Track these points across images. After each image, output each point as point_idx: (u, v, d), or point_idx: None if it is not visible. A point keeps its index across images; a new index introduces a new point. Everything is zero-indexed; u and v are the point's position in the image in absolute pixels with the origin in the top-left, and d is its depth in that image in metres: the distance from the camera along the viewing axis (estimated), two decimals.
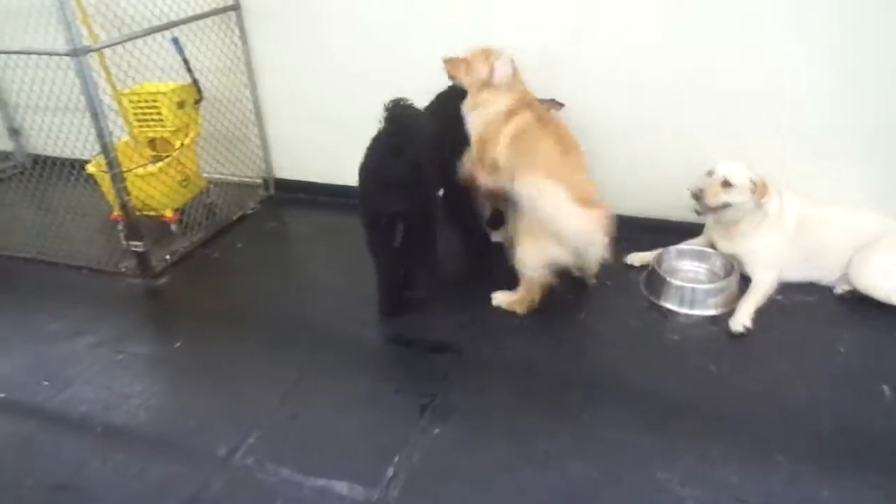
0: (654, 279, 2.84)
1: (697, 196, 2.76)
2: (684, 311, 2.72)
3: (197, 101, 3.65)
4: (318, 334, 2.79)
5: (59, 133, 3.80)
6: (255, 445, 2.21)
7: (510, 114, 2.69)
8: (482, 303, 2.83)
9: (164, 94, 3.47)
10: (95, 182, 3.52)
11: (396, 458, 2.11)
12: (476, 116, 2.78)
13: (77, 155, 3.63)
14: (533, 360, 2.52)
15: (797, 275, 2.82)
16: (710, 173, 2.76)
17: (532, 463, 2.06)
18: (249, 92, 3.80)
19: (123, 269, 3.28)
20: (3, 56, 4.18)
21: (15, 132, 4.66)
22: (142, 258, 3.20)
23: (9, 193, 4.34)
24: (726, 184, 2.71)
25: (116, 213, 3.25)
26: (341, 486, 2.03)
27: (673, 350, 2.54)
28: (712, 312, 2.70)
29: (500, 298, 2.80)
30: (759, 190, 2.69)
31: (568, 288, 2.83)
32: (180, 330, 2.87)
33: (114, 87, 3.52)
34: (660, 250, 2.98)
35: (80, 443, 2.28)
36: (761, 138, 2.97)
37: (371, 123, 2.51)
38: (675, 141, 3.12)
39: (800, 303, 2.75)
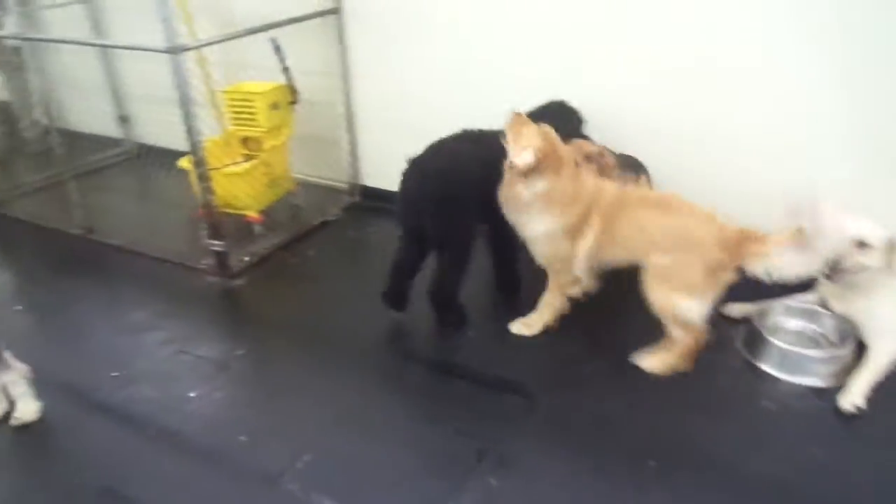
0: (753, 336, 2.55)
1: (836, 266, 2.40)
2: (785, 377, 2.42)
3: (292, 103, 3.64)
4: (385, 356, 2.68)
5: (164, 124, 3.88)
6: (303, 471, 2.11)
7: (574, 228, 2.42)
8: (561, 344, 2.64)
9: (259, 94, 3.47)
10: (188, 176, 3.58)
11: None
12: (529, 221, 2.47)
13: (179, 146, 3.69)
14: (608, 415, 2.30)
15: None
16: (854, 241, 2.39)
17: None
18: (343, 96, 3.76)
19: (203, 267, 3.29)
20: None
21: (124, 120, 4.85)
22: (221, 257, 3.21)
23: (114, 179, 4.51)
24: (862, 244, 2.37)
25: (200, 210, 3.26)
26: None
27: (768, 423, 2.25)
28: (819, 384, 2.39)
29: (653, 362, 2.46)
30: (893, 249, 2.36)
31: (654, 337, 2.58)
32: (246, 336, 2.84)
33: (209, 85, 3.56)
34: (764, 304, 2.68)
35: (133, 444, 2.26)
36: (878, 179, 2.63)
37: None
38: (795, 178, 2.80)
39: None
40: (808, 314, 2.66)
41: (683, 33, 2.81)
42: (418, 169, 2.56)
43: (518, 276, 2.95)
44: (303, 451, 2.18)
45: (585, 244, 2.42)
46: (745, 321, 2.66)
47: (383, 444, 2.22)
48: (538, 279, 2.67)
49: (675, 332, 2.39)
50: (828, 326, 2.60)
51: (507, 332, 2.71)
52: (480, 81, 3.33)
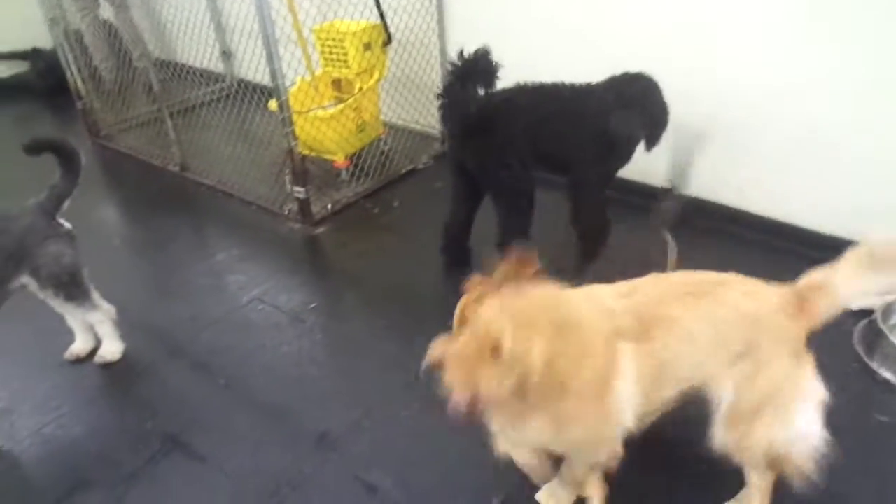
0: (873, 334, 2.23)
1: None
2: None
3: (385, 44, 3.49)
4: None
5: (264, 60, 3.84)
6: (362, 437, 2.07)
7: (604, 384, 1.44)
8: None
9: (351, 33, 3.34)
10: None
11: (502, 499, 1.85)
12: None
13: None
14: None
15: None
16: None
17: None
18: (437, 38, 3.56)
19: (287, 213, 3.28)
20: None
21: (227, 55, 4.87)
22: (303, 204, 3.17)
23: (213, 115, 4.55)
24: None
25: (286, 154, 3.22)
26: None
27: (880, 438, 1.97)
28: None
29: None
30: None
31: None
32: (321, 289, 2.81)
33: (298, 25, 3.44)
34: (892, 297, 2.33)
35: (202, 392, 2.29)
36: None
37: None
38: None
39: None
40: None
41: None
42: (460, 107, 2.41)
43: (598, 221, 2.68)
44: (363, 416, 2.14)
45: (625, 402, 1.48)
46: (867, 315, 2.33)
47: (443, 417, 2.12)
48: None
49: (761, 476, 1.67)
50: None
51: None
52: (582, 27, 3.04)
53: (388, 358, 2.39)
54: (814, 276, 1.54)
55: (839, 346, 2.28)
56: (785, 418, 1.52)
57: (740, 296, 1.52)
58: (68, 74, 4.16)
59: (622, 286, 1.56)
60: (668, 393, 1.56)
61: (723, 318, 1.50)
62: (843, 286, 1.52)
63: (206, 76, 4.77)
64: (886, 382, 2.13)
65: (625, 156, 2.61)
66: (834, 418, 2.04)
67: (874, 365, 2.18)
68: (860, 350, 2.25)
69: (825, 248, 2.62)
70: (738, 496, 1.74)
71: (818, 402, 1.56)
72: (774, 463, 1.61)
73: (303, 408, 2.20)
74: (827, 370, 2.19)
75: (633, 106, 2.45)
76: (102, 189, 3.86)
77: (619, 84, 2.51)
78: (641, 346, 1.46)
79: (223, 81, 4.93)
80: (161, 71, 3.91)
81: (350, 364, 2.40)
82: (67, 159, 2.26)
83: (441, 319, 2.50)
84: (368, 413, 2.15)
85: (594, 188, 2.63)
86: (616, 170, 2.66)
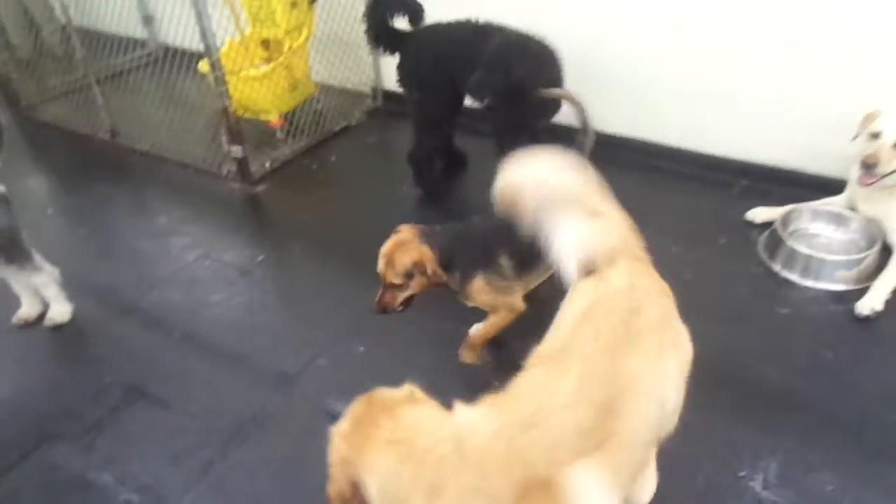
0: (774, 241, 2.48)
1: (871, 164, 2.28)
2: (807, 283, 2.37)
3: (311, 1, 3.52)
4: None
5: (188, 24, 3.79)
6: (318, 373, 2.20)
7: None
8: None
9: None
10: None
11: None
12: None
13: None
14: None
15: None
16: (874, 134, 2.30)
17: None
18: None
19: (225, 173, 3.31)
20: None
21: (148, 20, 4.77)
22: (241, 164, 3.22)
23: (139, 82, 4.48)
24: None
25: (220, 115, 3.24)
26: None
27: (782, 327, 2.23)
28: (841, 287, 2.33)
29: None
30: None
31: (676, 243, 2.55)
32: (267, 242, 2.89)
33: None
34: (789, 208, 2.59)
35: (159, 346, 2.37)
36: None
37: None
38: (820, 81, 2.64)
39: None
40: (835, 218, 2.56)
41: None
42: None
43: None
44: (318, 355, 2.26)
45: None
46: (768, 226, 2.58)
47: (398, 350, 2.27)
48: None
49: None
50: (854, 230, 2.51)
51: None
52: None
53: (338, 301, 2.51)
54: None
55: (746, 254, 2.53)
56: None
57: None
58: None
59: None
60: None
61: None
62: None
63: (128, 42, 4.67)
64: (787, 281, 2.39)
65: (534, 109, 2.60)
66: (743, 312, 2.32)
67: (776, 267, 2.44)
68: (764, 256, 2.50)
69: (735, 173, 2.88)
70: None
71: None
72: None
73: (260, 352, 2.30)
74: (737, 273, 2.46)
75: (496, 68, 2.52)
76: (29, 160, 3.78)
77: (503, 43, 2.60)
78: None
79: (146, 48, 4.83)
80: (80, 38, 3.82)
81: (301, 310, 2.51)
82: None
83: None
84: (323, 351, 2.27)
85: (507, 137, 2.61)
86: (528, 121, 2.64)
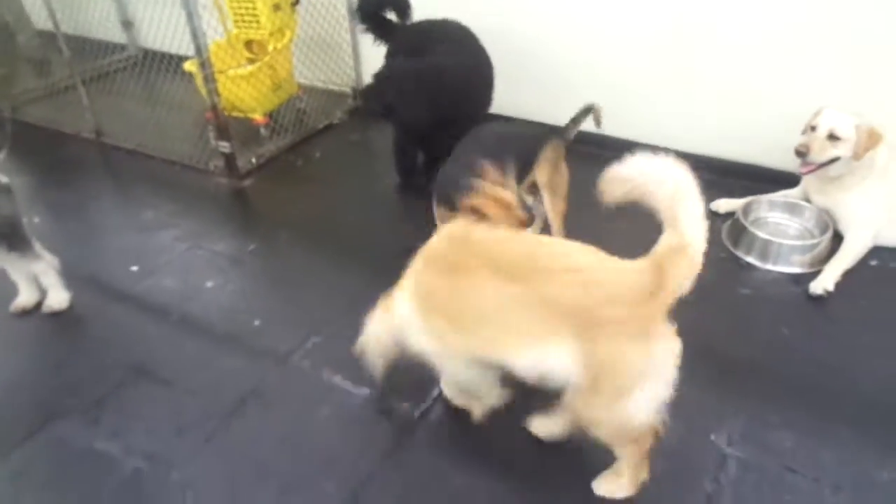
0: (736, 229, 2.68)
1: (803, 153, 2.52)
2: (767, 266, 2.57)
3: (293, 4, 3.65)
4: (385, 250, 2.83)
5: (168, 28, 3.89)
6: (313, 350, 2.31)
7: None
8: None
9: None
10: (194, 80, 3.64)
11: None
12: None
13: (182, 51, 3.72)
14: None
15: None
16: (812, 127, 2.52)
17: None
18: None
19: (213, 168, 3.41)
20: None
21: (128, 24, 4.84)
22: (229, 159, 3.32)
23: (119, 84, 4.54)
24: (833, 137, 2.48)
25: (209, 112, 3.34)
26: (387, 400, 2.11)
27: (743, 306, 2.42)
28: (797, 270, 2.54)
29: (612, 488, 1.79)
30: (867, 140, 2.44)
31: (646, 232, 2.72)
32: (256, 233, 2.99)
33: None
34: (749, 199, 2.79)
35: (158, 328, 2.45)
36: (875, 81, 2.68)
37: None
38: (782, 81, 2.86)
39: None
40: (790, 208, 2.78)
41: None
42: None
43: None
44: (311, 334, 2.38)
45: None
46: (731, 215, 2.78)
47: None
48: None
49: (622, 449, 1.71)
50: (808, 219, 2.72)
51: None
52: None
53: (326, 286, 2.63)
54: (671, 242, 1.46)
55: (711, 241, 2.66)
56: (623, 397, 1.50)
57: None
58: None
59: None
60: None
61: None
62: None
63: (108, 47, 4.73)
64: (749, 265, 2.59)
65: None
66: (709, 293, 2.49)
67: (739, 253, 2.64)
68: (728, 243, 2.70)
69: (698, 167, 3.04)
70: (612, 468, 1.78)
71: (665, 382, 1.53)
72: (624, 438, 1.64)
73: (255, 333, 2.41)
74: (707, 260, 2.63)
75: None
76: (14, 158, 3.81)
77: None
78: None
79: (125, 51, 4.90)
80: (62, 41, 3.88)
81: (293, 294, 2.63)
82: None
83: (368, 250, 2.81)
84: (316, 332, 2.39)
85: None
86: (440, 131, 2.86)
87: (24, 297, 2.56)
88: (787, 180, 2.88)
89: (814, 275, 2.48)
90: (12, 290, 2.55)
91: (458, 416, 2.03)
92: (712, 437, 1.94)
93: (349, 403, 2.11)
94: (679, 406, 2.00)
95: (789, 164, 2.87)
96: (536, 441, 1.95)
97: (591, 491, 1.81)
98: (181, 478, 1.90)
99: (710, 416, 2.00)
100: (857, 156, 2.47)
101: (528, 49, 3.33)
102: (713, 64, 2.97)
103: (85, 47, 4.26)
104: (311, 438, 2.01)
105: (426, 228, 2.85)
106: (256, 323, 2.45)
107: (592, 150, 3.21)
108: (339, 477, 1.88)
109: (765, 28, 2.80)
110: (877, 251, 2.59)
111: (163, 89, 4.11)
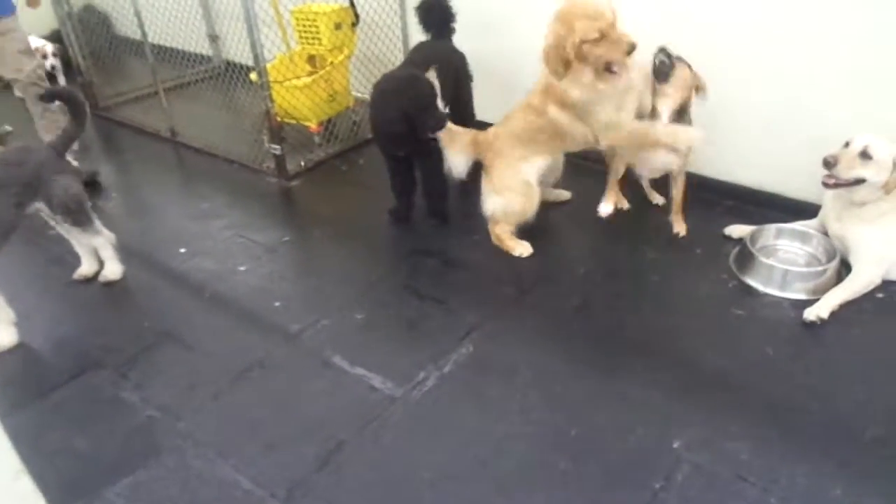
0: (743, 254, 2.73)
1: (830, 163, 2.48)
2: (768, 291, 2.60)
3: (353, 24, 3.96)
4: (405, 250, 3.05)
5: (247, 42, 4.29)
6: (321, 331, 2.54)
7: None
8: (548, 240, 2.99)
9: (323, 14, 3.81)
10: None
11: (430, 366, 2.33)
12: None
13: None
14: (588, 305, 2.60)
15: None
16: (847, 143, 2.51)
17: (546, 400, 2.18)
18: (400, 20, 4.03)
19: (265, 168, 3.74)
20: None
21: (213, 38, 5.32)
22: (279, 160, 3.64)
23: (202, 92, 5.02)
24: (865, 156, 2.45)
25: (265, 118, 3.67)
26: (377, 380, 2.30)
27: (733, 325, 2.48)
28: (801, 297, 2.55)
29: None
30: None
31: (652, 247, 2.83)
32: (294, 227, 3.28)
33: (276, 4, 3.90)
34: (761, 227, 2.83)
35: (190, 303, 2.75)
36: None
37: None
38: (805, 112, 2.89)
39: None
40: (800, 236, 2.80)
41: None
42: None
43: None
44: (322, 317, 2.61)
45: None
46: (739, 241, 2.83)
47: (392, 320, 2.61)
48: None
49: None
50: (818, 248, 2.73)
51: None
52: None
53: (345, 277, 2.87)
54: None
55: (717, 263, 2.80)
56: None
57: None
58: (70, 52, 4.60)
59: None
60: None
61: None
62: None
63: (196, 58, 5.23)
64: (749, 288, 2.64)
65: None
66: (701, 309, 2.58)
67: (746, 279, 2.67)
68: (734, 268, 2.74)
69: (722, 194, 3.03)
70: None
71: None
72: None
73: (273, 312, 2.67)
74: (705, 279, 2.73)
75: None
76: (101, 153, 4.31)
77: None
78: None
79: (210, 63, 5.38)
80: (157, 54, 4.35)
81: (315, 282, 2.88)
82: (75, 108, 2.72)
83: (386, 249, 3.02)
84: (327, 315, 2.62)
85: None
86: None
87: (85, 267, 2.92)
88: (807, 210, 2.90)
89: (815, 302, 2.49)
90: (76, 261, 2.91)
91: (437, 400, 2.20)
92: (674, 443, 2.01)
93: (343, 381, 2.31)
94: (644, 411, 2.12)
95: (811, 194, 2.89)
96: (504, 437, 2.09)
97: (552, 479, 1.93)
98: (185, 427, 2.15)
99: (675, 423, 2.07)
100: (887, 189, 2.45)
101: None
102: (736, 92, 3.02)
103: (174, 57, 4.74)
104: (301, 407, 2.23)
105: (441, 231, 3.09)
106: (276, 304, 2.70)
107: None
108: (317, 441, 2.08)
109: (789, 58, 2.84)
110: (886, 285, 2.58)
111: (235, 98, 4.52)
